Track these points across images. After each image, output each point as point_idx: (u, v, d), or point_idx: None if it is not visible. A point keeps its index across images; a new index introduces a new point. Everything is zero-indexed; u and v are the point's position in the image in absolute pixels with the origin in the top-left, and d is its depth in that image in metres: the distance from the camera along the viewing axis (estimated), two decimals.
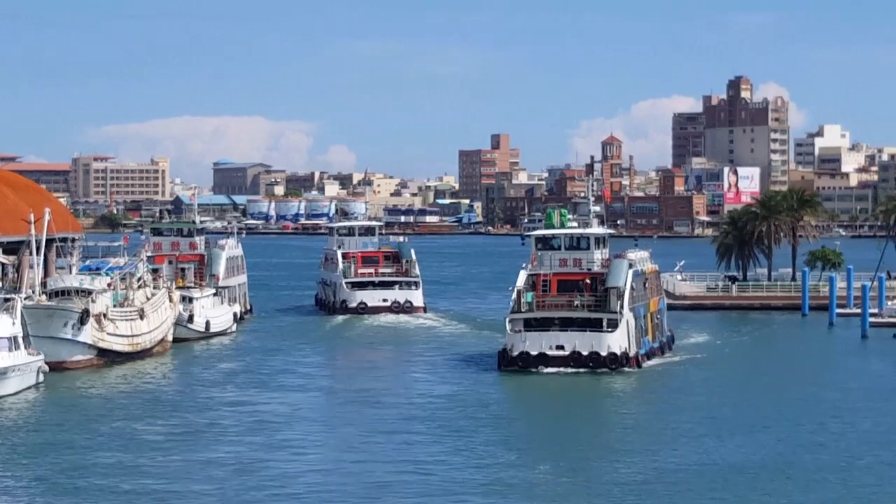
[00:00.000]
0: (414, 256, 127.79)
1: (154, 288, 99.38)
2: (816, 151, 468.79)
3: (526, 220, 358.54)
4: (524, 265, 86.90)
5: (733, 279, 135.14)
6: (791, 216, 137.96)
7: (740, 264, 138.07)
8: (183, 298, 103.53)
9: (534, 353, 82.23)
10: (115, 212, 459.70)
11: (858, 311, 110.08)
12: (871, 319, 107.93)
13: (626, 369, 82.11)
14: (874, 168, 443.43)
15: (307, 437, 63.02)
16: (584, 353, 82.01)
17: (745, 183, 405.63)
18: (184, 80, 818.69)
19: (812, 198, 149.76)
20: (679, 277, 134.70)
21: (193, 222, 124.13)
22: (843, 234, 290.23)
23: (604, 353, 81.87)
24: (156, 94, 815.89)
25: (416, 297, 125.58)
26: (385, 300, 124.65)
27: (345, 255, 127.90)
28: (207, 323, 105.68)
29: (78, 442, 61.25)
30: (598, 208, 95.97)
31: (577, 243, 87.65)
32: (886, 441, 61.53)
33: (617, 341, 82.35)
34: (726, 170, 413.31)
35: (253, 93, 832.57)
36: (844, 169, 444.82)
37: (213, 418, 68.03)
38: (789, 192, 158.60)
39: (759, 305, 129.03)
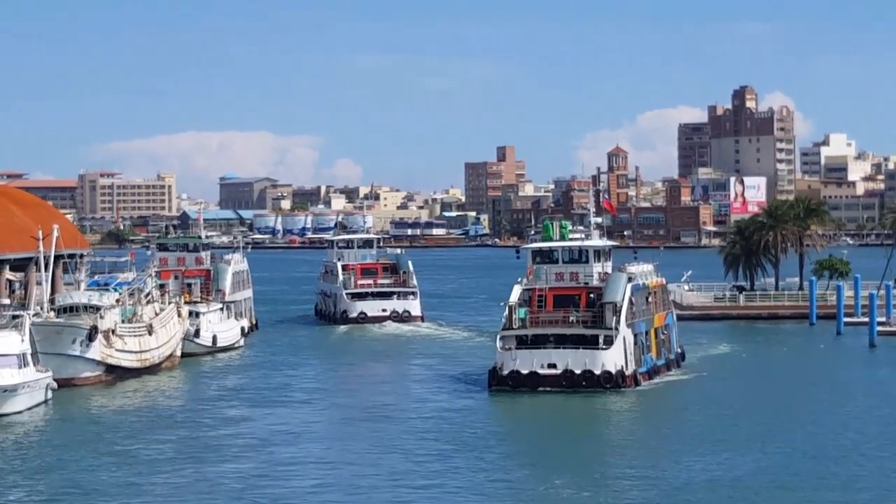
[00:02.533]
0: (411, 267, 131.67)
1: (161, 303, 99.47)
2: (822, 160, 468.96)
3: (532, 233, 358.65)
4: (519, 279, 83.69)
5: (741, 289, 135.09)
6: (798, 225, 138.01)
7: (747, 274, 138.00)
8: (190, 313, 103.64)
9: (524, 371, 78.64)
10: (121, 227, 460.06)
11: (866, 319, 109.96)
12: (879, 328, 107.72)
13: (622, 389, 78.35)
14: (880, 176, 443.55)
15: (315, 454, 62.83)
16: (577, 371, 78.18)
17: (752, 192, 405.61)
18: (189, 96, 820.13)
19: (818, 207, 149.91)
20: (686, 288, 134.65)
21: (199, 237, 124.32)
22: (850, 242, 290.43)
23: (598, 372, 78.09)
24: (161, 110, 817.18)
25: (414, 306, 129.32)
26: (384, 310, 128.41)
27: (344, 267, 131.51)
28: (214, 337, 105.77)
29: (86, 459, 61.23)
30: (599, 219, 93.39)
31: (579, 256, 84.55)
32: (895, 449, 61.46)
33: (612, 359, 78.51)
34: (732, 180, 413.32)
35: (258, 108, 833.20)
36: (851, 178, 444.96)
37: (220, 435, 67.97)
38: (796, 201, 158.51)
39: (766, 315, 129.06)
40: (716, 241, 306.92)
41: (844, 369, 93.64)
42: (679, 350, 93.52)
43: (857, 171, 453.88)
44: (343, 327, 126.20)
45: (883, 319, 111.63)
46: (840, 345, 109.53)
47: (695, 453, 60.83)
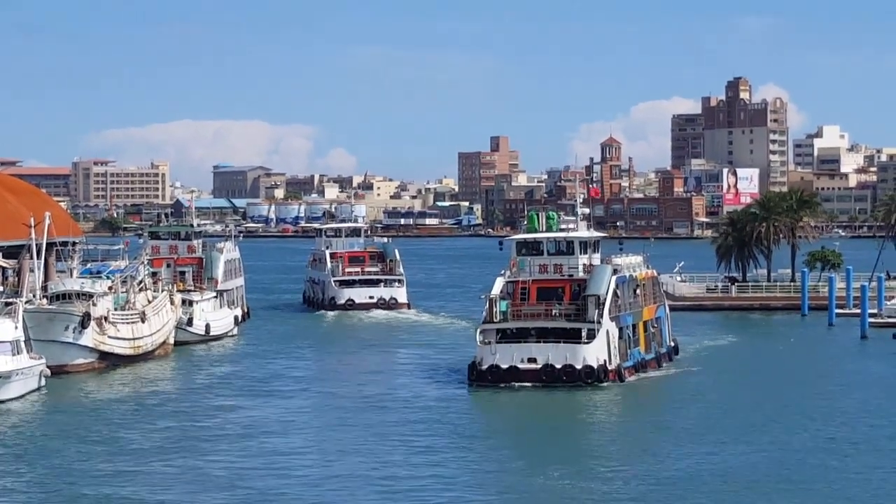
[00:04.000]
0: (398, 256, 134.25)
1: (154, 291, 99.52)
2: (815, 152, 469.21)
3: (525, 223, 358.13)
4: (502, 271, 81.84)
5: (733, 280, 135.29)
6: (790, 217, 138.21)
7: (740, 265, 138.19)
8: (183, 301, 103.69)
9: (504, 366, 76.39)
10: (115, 215, 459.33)
11: (858, 311, 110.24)
12: (871, 319, 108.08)
13: (605, 384, 76.29)
14: (873, 169, 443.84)
15: (305, 443, 62.97)
16: (558, 366, 75.94)
17: (745, 184, 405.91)
18: (184, 85, 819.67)
19: (811, 198, 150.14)
20: (678, 279, 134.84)
21: (191, 225, 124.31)
22: (843, 234, 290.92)
23: (579, 367, 75.89)
24: (156, 99, 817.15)
25: (401, 293, 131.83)
26: (371, 297, 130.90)
27: (332, 255, 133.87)
28: (207, 326, 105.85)
29: (78, 447, 61.31)
30: (587, 210, 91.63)
31: (566, 248, 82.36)
32: (887, 442, 61.61)
33: (594, 353, 76.31)
34: (725, 171, 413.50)
35: (253, 97, 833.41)
36: (843, 170, 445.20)
37: (211, 423, 68.05)
38: (788, 192, 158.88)
39: (758, 306, 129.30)
40: (708, 233, 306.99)
41: (836, 361, 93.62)
42: (672, 344, 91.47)
43: (849, 164, 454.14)
44: (331, 314, 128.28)
45: (874, 311, 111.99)
46: (832, 336, 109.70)
47: (682, 449, 60.59)
